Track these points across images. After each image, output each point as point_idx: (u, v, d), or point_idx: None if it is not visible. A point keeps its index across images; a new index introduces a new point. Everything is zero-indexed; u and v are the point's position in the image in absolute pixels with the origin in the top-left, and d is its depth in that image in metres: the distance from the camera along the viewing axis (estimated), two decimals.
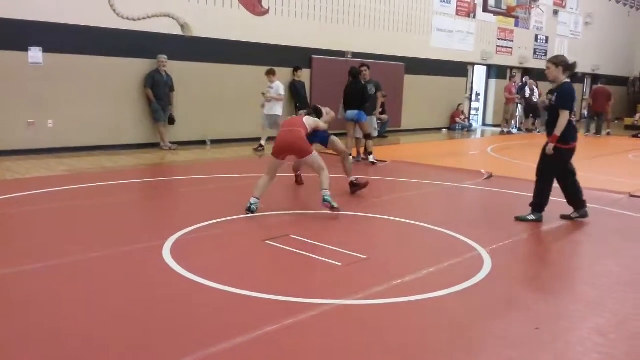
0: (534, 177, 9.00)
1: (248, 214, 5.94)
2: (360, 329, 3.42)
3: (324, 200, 6.05)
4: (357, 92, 9.72)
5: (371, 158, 9.88)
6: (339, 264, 4.49)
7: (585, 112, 17.60)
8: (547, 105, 6.14)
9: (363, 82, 9.94)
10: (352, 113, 9.67)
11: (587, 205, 6.27)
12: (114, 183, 7.56)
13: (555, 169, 6.10)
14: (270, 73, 11.07)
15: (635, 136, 17.36)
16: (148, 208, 6.80)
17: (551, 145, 5.94)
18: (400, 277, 4.23)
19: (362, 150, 10.23)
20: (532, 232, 5.78)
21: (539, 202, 6.15)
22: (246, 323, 3.36)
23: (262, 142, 11.04)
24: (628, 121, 20.84)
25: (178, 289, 3.93)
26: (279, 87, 11.02)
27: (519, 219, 6.15)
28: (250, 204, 5.99)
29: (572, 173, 6.22)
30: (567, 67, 5.96)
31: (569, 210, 6.30)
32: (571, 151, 6.06)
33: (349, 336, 3.30)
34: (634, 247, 5.51)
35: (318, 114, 6.97)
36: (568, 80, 6.00)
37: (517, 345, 3.28)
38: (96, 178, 7.80)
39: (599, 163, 10.97)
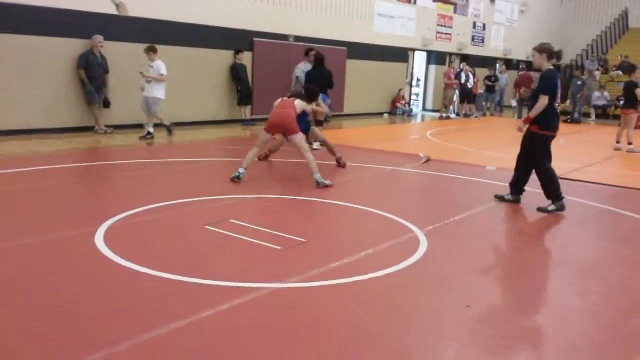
0: (469, 160, 9.30)
1: (235, 181, 6.69)
2: (297, 311, 3.44)
3: (318, 183, 6.65)
4: (322, 78, 9.83)
5: (316, 145, 9.91)
6: (278, 247, 4.49)
7: (515, 100, 18.36)
8: (528, 94, 6.27)
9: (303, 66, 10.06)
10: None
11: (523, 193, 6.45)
12: (45, 167, 7.25)
13: (540, 154, 6.12)
14: (151, 50, 9.90)
15: (565, 121, 18.11)
16: (81, 193, 6.57)
17: (522, 125, 6.14)
18: (338, 259, 4.27)
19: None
20: (466, 213, 5.95)
21: (553, 191, 6.12)
22: (181, 309, 3.32)
23: (150, 129, 10.03)
24: (559, 107, 21.70)
25: (110, 276, 3.83)
26: (160, 66, 9.87)
27: (540, 210, 6.11)
28: (239, 172, 6.76)
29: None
30: (551, 54, 6.08)
31: (506, 191, 6.52)
32: (551, 138, 6.15)
33: (285, 319, 3.32)
34: (561, 226, 5.78)
35: (314, 94, 7.49)
36: (551, 67, 6.11)
37: (449, 322, 3.39)
38: (26, 162, 7.46)
39: None
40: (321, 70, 9.98)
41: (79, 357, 2.76)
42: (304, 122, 8.05)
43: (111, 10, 10.59)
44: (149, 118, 10.07)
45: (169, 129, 10.18)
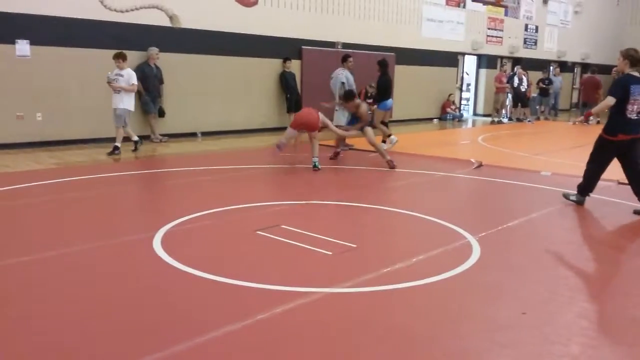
0: (523, 166, 9.10)
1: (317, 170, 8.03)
2: (350, 316, 3.45)
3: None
4: (390, 83, 10.88)
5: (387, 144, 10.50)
6: (329, 253, 4.52)
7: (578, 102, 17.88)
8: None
9: (350, 72, 10.24)
10: (391, 102, 10.80)
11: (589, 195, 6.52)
12: (104, 175, 7.55)
13: (596, 154, 6.32)
14: (120, 57, 9.12)
15: None
16: (139, 200, 6.80)
17: (581, 119, 7.24)
18: (389, 265, 4.27)
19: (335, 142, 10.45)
20: (520, 220, 5.83)
21: (583, 185, 6.42)
22: (237, 312, 3.39)
23: (117, 144, 9.25)
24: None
25: (169, 279, 3.95)
26: (131, 75, 9.20)
27: (565, 196, 6.55)
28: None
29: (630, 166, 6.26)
30: (634, 61, 6.01)
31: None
32: (613, 143, 6.09)
33: (339, 323, 3.34)
34: (620, 233, 5.58)
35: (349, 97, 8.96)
36: (633, 73, 6.01)
37: (504, 329, 3.33)
38: (87, 171, 7.78)
39: (587, 151, 11.02)
40: (388, 75, 10.78)
41: (137, 358, 2.86)
42: None
43: (165, 22, 10.95)
44: (119, 131, 9.39)
45: (136, 144, 9.50)
